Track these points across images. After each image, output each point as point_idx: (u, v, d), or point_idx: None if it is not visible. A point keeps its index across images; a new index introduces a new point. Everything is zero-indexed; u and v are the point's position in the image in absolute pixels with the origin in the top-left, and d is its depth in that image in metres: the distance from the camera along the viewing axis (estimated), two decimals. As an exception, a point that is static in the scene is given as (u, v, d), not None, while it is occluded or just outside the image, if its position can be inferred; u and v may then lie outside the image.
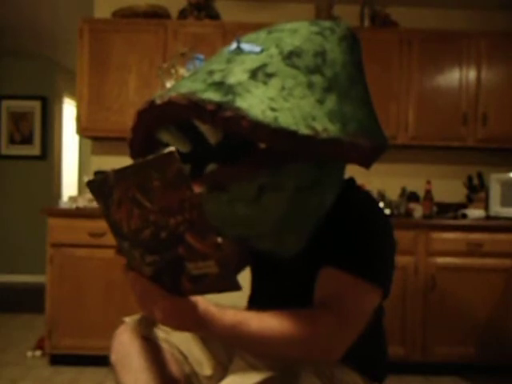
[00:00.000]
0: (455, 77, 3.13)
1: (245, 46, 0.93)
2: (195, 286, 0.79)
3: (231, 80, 0.86)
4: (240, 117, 0.81)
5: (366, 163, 0.95)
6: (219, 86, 0.85)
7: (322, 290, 0.96)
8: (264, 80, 0.87)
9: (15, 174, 5.12)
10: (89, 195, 2.91)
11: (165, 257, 0.77)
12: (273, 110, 0.82)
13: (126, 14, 3.13)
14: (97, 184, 0.76)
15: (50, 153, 5.17)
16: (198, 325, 0.83)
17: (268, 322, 0.87)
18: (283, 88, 0.86)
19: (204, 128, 0.94)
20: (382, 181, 3.33)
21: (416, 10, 3.46)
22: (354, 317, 0.92)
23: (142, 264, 0.80)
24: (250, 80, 0.86)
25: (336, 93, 0.90)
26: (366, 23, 3.24)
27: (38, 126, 5.11)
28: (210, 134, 0.95)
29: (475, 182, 3.32)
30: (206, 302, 0.84)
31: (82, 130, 3.12)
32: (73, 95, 4.69)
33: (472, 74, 3.13)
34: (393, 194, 3.32)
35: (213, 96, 0.83)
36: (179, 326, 0.84)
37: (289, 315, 0.88)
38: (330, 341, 0.89)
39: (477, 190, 3.26)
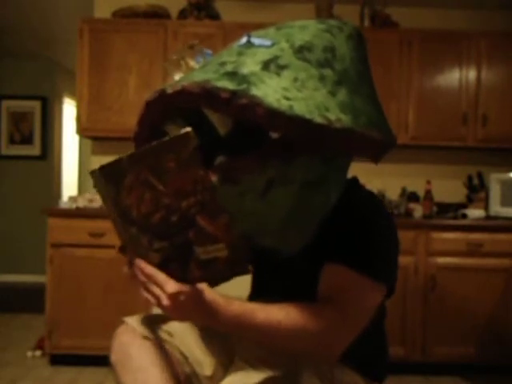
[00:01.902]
0: (455, 77, 3.13)
1: (255, 40, 0.93)
2: (204, 273, 0.80)
3: (244, 70, 0.86)
4: (255, 104, 0.81)
5: (376, 157, 0.95)
6: (233, 75, 0.85)
7: (325, 285, 0.96)
8: (277, 71, 0.87)
9: (15, 174, 5.12)
10: (89, 195, 2.90)
11: (174, 242, 0.77)
12: (287, 99, 0.82)
13: (126, 14, 3.13)
14: (108, 169, 0.77)
15: (50, 153, 5.17)
16: (205, 313, 0.84)
17: (273, 314, 0.88)
18: (296, 79, 0.87)
19: (214, 118, 0.93)
20: (382, 181, 3.33)
21: (416, 9, 3.45)
22: (356, 313, 0.93)
23: (150, 251, 0.80)
24: (263, 71, 0.86)
25: (346, 87, 0.91)
26: (366, 23, 3.24)
27: (38, 126, 5.11)
28: (221, 124, 0.95)
29: (475, 181, 3.32)
30: (212, 292, 0.85)
31: (82, 130, 3.12)
32: (73, 95, 4.69)
33: (472, 74, 3.13)
34: (393, 194, 3.33)
35: (227, 84, 0.83)
36: (186, 315, 0.84)
37: (294, 308, 0.89)
38: (333, 336, 0.90)
39: (477, 190, 3.26)
